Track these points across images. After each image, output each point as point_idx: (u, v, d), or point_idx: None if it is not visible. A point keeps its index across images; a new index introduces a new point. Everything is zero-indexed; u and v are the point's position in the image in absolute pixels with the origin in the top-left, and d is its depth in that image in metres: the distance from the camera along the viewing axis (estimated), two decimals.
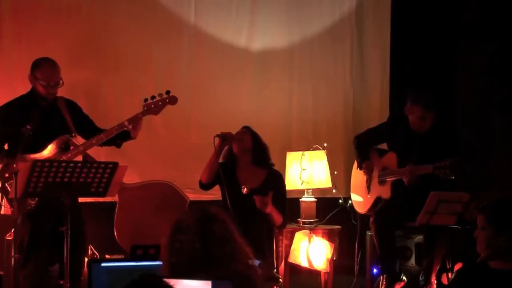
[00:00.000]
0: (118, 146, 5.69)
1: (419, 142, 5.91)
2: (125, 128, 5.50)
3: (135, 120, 5.51)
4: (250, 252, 3.19)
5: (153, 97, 5.55)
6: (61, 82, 5.46)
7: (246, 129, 5.68)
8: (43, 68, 5.43)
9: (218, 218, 3.14)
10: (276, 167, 5.80)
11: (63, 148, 5.40)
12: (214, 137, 5.51)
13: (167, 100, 5.58)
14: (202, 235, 3.06)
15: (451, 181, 5.61)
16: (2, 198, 5.26)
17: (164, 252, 3.13)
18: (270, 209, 5.40)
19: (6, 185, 5.18)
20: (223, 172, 5.48)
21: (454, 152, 5.81)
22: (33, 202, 5.21)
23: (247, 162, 5.63)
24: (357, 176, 6.34)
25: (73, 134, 5.45)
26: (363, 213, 6.29)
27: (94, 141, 5.45)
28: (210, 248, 3.05)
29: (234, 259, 3.08)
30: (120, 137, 5.59)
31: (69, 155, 5.34)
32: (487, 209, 3.87)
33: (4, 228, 5.65)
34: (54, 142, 5.36)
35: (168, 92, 5.57)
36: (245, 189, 5.48)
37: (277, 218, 5.50)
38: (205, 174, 5.59)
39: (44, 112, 5.43)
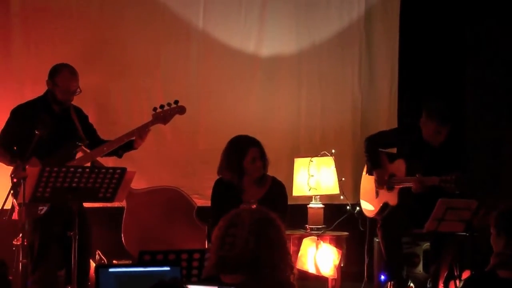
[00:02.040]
0: (120, 156, 5.69)
1: (430, 153, 5.90)
2: (133, 137, 5.52)
3: (144, 129, 5.52)
4: (293, 266, 3.14)
5: (161, 106, 5.57)
6: (78, 90, 5.48)
7: (257, 147, 5.44)
8: (63, 75, 5.45)
9: (275, 224, 3.09)
10: (283, 173, 5.77)
11: (74, 153, 5.42)
12: None
13: (176, 110, 5.60)
14: (258, 236, 3.01)
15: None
16: (10, 202, 5.25)
17: (214, 244, 3.08)
18: None
19: (18, 189, 5.17)
20: (223, 190, 5.42)
21: (462, 167, 5.79)
22: (43, 208, 5.21)
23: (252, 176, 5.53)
24: (367, 179, 6.34)
25: (85, 141, 5.47)
26: (370, 217, 6.29)
27: (105, 148, 5.49)
28: (262, 251, 3.00)
29: (279, 269, 3.04)
30: (122, 147, 5.60)
31: (79, 161, 5.36)
32: (495, 216, 3.84)
33: (15, 233, 5.64)
34: (65, 147, 5.37)
35: (176, 102, 5.59)
36: (254, 206, 5.40)
37: None
38: None
39: (57, 117, 5.45)
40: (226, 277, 3.02)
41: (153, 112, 5.57)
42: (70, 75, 5.45)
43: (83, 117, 5.69)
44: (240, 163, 5.39)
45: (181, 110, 5.63)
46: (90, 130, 5.68)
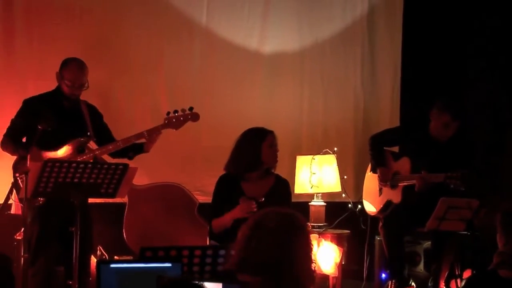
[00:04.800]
0: (130, 158, 5.65)
1: (437, 150, 5.90)
2: (143, 139, 5.51)
3: (154, 132, 5.52)
4: (314, 276, 3.02)
5: (175, 112, 5.56)
6: (86, 84, 5.48)
7: (274, 136, 5.37)
8: (70, 68, 5.45)
9: (303, 232, 2.95)
10: (285, 171, 5.75)
11: (79, 150, 5.42)
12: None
13: (189, 117, 5.60)
14: (284, 243, 2.89)
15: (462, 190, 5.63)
16: (9, 195, 5.24)
17: (238, 243, 2.96)
18: None
19: (19, 181, 5.17)
20: (225, 186, 5.40)
21: (469, 164, 5.79)
22: (41, 198, 5.21)
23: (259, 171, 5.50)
24: (370, 179, 6.34)
25: (92, 138, 5.47)
26: (373, 214, 6.29)
27: (110, 147, 5.48)
28: (286, 259, 2.88)
29: (300, 278, 2.91)
30: (132, 149, 5.60)
31: (84, 157, 5.36)
32: (499, 215, 3.85)
33: (15, 228, 5.65)
34: (71, 143, 5.38)
35: (191, 109, 5.58)
36: (262, 200, 5.37)
37: None
38: (220, 229, 5.23)
39: (65, 112, 5.46)
40: (244, 277, 2.93)
41: (166, 116, 5.56)
42: (76, 68, 5.46)
43: (97, 115, 5.68)
44: (257, 149, 5.29)
45: (195, 117, 5.61)
46: (102, 129, 5.65)
